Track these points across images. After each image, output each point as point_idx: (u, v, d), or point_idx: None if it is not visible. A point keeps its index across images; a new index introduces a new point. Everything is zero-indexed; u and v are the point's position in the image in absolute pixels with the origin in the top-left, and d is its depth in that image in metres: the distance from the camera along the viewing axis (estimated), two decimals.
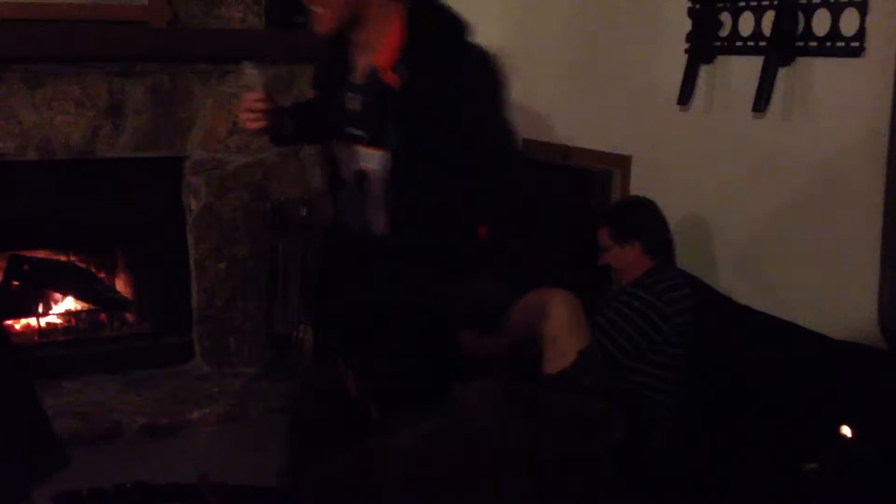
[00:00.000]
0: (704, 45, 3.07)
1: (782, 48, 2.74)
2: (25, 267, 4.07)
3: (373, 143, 2.38)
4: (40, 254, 4.17)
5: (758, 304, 2.82)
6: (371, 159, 2.40)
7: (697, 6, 3.09)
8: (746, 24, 2.91)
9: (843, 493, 1.97)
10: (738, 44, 2.95)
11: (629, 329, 2.69)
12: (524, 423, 1.70)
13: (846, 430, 2.03)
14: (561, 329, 2.46)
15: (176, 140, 3.90)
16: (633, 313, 2.70)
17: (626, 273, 2.87)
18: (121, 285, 4.36)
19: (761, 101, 2.81)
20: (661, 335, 2.70)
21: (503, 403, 1.71)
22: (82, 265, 4.27)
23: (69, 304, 4.25)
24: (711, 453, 2.51)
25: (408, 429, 1.61)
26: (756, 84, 2.82)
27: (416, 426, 1.60)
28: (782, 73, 2.78)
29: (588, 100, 3.83)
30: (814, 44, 2.66)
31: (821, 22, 2.64)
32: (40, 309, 4.18)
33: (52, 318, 4.20)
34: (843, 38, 2.57)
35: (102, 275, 4.32)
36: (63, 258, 4.24)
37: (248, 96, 2.48)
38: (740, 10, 2.93)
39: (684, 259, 3.02)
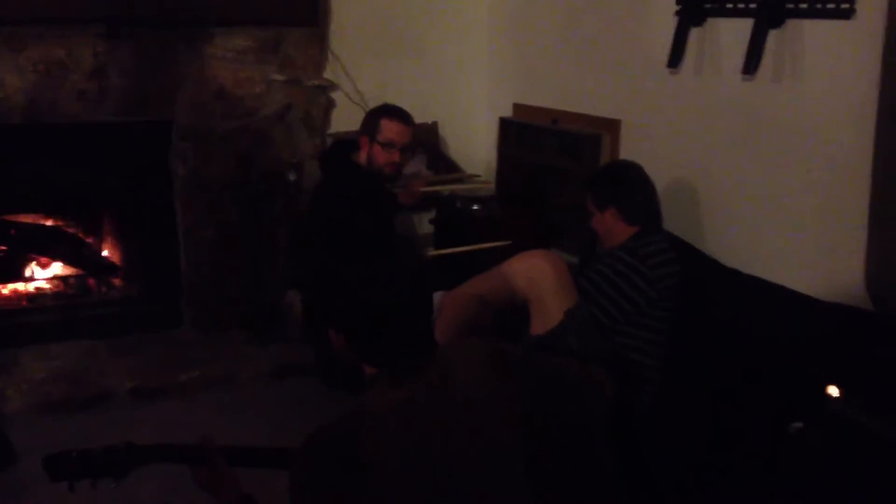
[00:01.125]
0: (694, 7, 3.06)
1: (772, 10, 2.73)
2: (12, 232, 4.06)
3: None
4: (27, 219, 4.15)
5: (746, 266, 2.83)
6: None
7: None
8: None
9: (829, 452, 1.99)
10: (729, 6, 2.93)
11: (614, 294, 2.69)
12: (512, 382, 1.70)
13: (833, 390, 2.04)
14: (546, 289, 2.48)
15: (162, 104, 3.87)
16: (617, 278, 2.69)
17: (608, 238, 2.86)
18: (109, 250, 4.34)
19: (751, 63, 2.81)
20: (646, 299, 2.70)
21: (490, 362, 1.71)
22: (70, 230, 4.26)
23: (57, 269, 4.24)
24: (698, 414, 2.53)
25: (396, 388, 1.61)
26: (746, 46, 2.81)
27: (405, 385, 1.60)
28: (772, 35, 2.77)
29: (577, 64, 3.82)
30: (804, 6, 2.65)
31: None
32: (28, 274, 4.16)
33: (41, 283, 4.19)
34: (833, 0, 2.56)
35: (90, 240, 4.31)
36: (50, 223, 4.22)
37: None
38: None
39: (673, 222, 3.03)
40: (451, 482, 1.53)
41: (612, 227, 2.83)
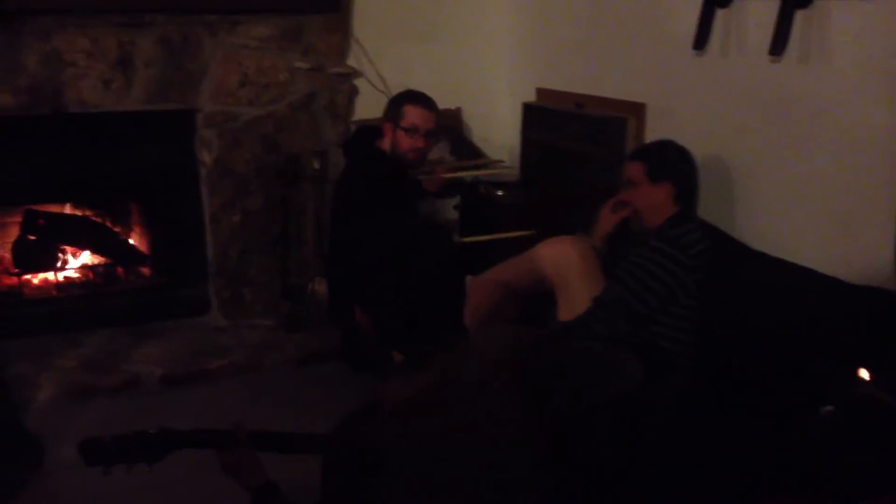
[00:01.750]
0: None
1: None
2: (41, 221, 4.09)
3: None
4: (55, 208, 4.19)
5: (772, 249, 2.81)
6: None
7: None
8: None
9: (859, 436, 1.98)
10: None
11: (656, 286, 2.65)
12: (538, 367, 1.70)
13: (864, 373, 2.02)
14: (573, 276, 2.47)
15: (187, 93, 3.89)
16: (660, 270, 2.65)
17: (649, 214, 2.81)
18: (136, 239, 4.38)
19: (778, 44, 2.77)
20: (684, 290, 2.68)
21: (517, 347, 1.70)
22: (97, 219, 4.29)
23: (85, 258, 4.27)
24: (727, 397, 2.52)
25: (417, 375, 1.60)
26: (773, 27, 2.78)
27: (426, 373, 1.60)
28: (799, 15, 2.73)
29: (601, 47, 3.79)
30: None
31: None
32: (57, 263, 4.20)
33: (69, 273, 4.23)
34: None
35: (117, 229, 4.34)
36: (78, 213, 4.26)
37: None
38: None
39: (699, 205, 3.00)
40: (469, 475, 1.53)
41: (659, 203, 2.78)
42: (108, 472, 1.80)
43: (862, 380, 2.04)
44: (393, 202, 3.39)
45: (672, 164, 2.82)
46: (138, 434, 1.83)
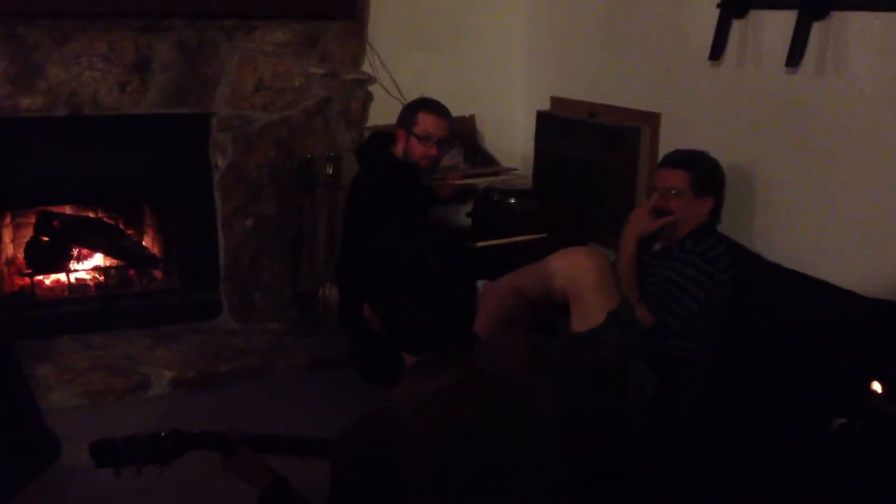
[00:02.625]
0: None
1: (816, 2, 2.69)
2: (55, 223, 4.11)
3: None
4: (69, 210, 4.21)
5: (787, 261, 2.80)
6: None
7: None
8: None
9: (872, 448, 1.97)
10: None
11: (689, 301, 2.65)
12: (551, 374, 1.69)
13: (877, 386, 2.01)
14: (588, 288, 2.44)
15: (202, 97, 3.91)
16: (688, 283, 2.65)
17: (685, 226, 2.80)
18: (148, 242, 4.39)
19: (795, 56, 2.77)
20: (709, 304, 2.68)
21: (529, 353, 1.70)
22: (110, 221, 4.31)
23: (98, 260, 4.29)
24: (741, 409, 2.51)
25: (431, 379, 1.60)
26: (789, 39, 2.77)
27: (440, 377, 1.60)
28: (816, 27, 2.73)
29: (616, 56, 3.79)
30: None
31: None
32: (70, 265, 4.22)
33: (82, 274, 4.24)
34: None
35: (130, 231, 4.36)
36: (91, 214, 4.28)
37: None
38: None
39: None
40: (487, 475, 1.53)
41: (698, 216, 2.79)
42: (120, 473, 1.81)
43: (875, 393, 2.02)
44: (405, 208, 3.39)
45: (716, 178, 2.83)
46: (150, 436, 1.83)
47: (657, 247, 2.89)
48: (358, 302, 3.44)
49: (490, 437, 1.55)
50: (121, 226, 4.34)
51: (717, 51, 3.11)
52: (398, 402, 1.58)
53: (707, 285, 2.67)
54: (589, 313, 2.42)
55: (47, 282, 4.18)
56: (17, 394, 0.57)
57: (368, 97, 4.22)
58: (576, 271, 2.45)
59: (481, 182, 4.07)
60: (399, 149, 3.47)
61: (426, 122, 3.41)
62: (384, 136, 3.59)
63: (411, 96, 3.76)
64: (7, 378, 0.57)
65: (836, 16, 2.67)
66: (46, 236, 4.12)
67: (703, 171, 2.82)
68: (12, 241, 4.18)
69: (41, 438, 0.58)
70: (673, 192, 2.81)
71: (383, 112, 4.14)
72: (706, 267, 2.68)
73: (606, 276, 2.45)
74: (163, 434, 1.85)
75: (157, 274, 4.37)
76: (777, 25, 2.86)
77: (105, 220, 4.31)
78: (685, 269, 2.69)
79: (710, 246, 2.73)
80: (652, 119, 3.52)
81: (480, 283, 2.69)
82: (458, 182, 3.82)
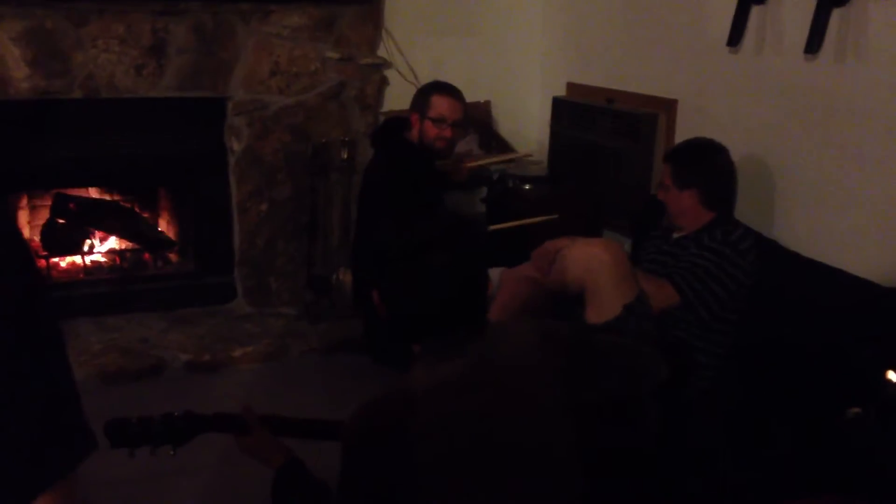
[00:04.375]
0: None
1: None
2: (71, 206, 4.13)
3: None
4: (85, 193, 4.22)
5: (805, 249, 2.78)
6: None
7: None
8: None
9: (887, 438, 1.96)
10: None
11: (722, 292, 2.63)
12: (560, 358, 1.69)
13: (892, 376, 2.00)
14: (604, 280, 2.42)
15: (218, 80, 3.91)
16: (721, 273, 2.62)
17: (680, 218, 2.80)
18: (164, 225, 4.41)
19: (814, 42, 2.74)
20: (735, 297, 2.66)
21: (541, 338, 1.69)
22: (126, 205, 4.33)
23: (113, 242, 4.31)
24: (755, 397, 2.50)
25: (445, 363, 1.60)
26: (809, 25, 2.75)
27: (452, 361, 1.59)
28: (836, 13, 2.70)
29: (633, 42, 3.77)
30: None
31: None
32: (85, 247, 4.24)
33: (97, 257, 4.26)
34: None
35: (146, 214, 4.37)
36: (107, 197, 4.29)
37: None
38: None
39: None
40: (496, 459, 1.53)
41: (688, 209, 2.76)
42: (134, 454, 1.82)
43: (890, 382, 2.01)
44: (417, 194, 3.38)
45: (698, 168, 2.77)
46: (164, 416, 1.84)
47: (674, 235, 2.87)
48: (370, 287, 3.46)
49: (499, 421, 1.54)
50: (136, 209, 4.36)
51: (735, 37, 3.08)
52: (408, 388, 1.58)
53: (740, 278, 2.65)
54: (605, 305, 2.40)
55: (63, 264, 4.21)
56: (59, 381, 0.57)
57: (384, 82, 4.22)
58: (593, 263, 2.44)
59: (494, 164, 4.06)
60: (414, 133, 3.46)
61: (440, 104, 3.40)
62: (399, 121, 3.58)
63: (427, 81, 3.74)
64: (50, 363, 0.56)
65: (857, 2, 2.64)
66: (62, 219, 4.14)
67: (682, 163, 2.80)
68: (29, 223, 4.20)
69: (78, 431, 0.58)
70: (664, 186, 2.82)
71: (399, 97, 4.14)
72: (739, 259, 2.66)
73: (623, 269, 2.43)
74: (176, 415, 1.85)
75: (173, 257, 4.39)
76: (796, 12, 2.84)
77: (121, 202, 4.32)
78: (720, 260, 2.64)
79: (740, 237, 2.71)
80: (669, 106, 3.50)
81: (497, 271, 2.68)
82: (472, 165, 3.81)
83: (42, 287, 0.63)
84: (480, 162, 3.97)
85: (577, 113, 4.03)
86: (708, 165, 2.78)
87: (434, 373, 1.59)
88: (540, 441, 1.58)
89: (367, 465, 1.52)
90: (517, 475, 1.54)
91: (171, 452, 1.85)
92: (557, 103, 4.18)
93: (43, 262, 4.11)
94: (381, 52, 4.18)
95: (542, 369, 1.63)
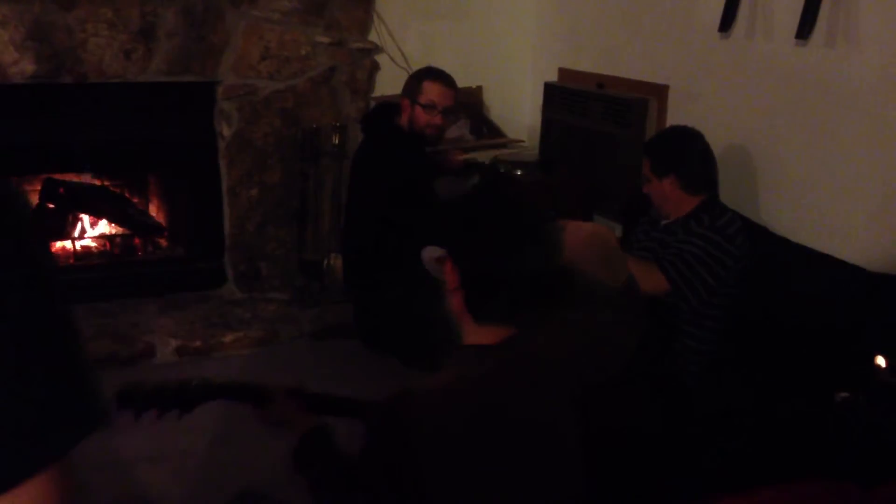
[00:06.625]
0: None
1: None
2: (61, 190, 4.11)
3: None
4: (74, 178, 4.20)
5: (794, 235, 2.79)
6: None
7: None
8: None
9: (875, 422, 1.97)
10: None
11: (709, 277, 2.64)
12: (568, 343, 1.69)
13: (881, 360, 2.01)
14: (595, 262, 2.43)
15: (208, 65, 3.88)
16: (709, 258, 2.63)
17: (665, 206, 2.81)
18: (154, 210, 4.39)
19: (805, 27, 2.75)
20: (724, 282, 2.67)
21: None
22: (116, 190, 4.31)
23: (103, 227, 4.29)
24: (746, 382, 2.51)
25: (483, 363, 1.57)
26: (800, 10, 2.75)
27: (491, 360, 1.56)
28: None
29: (625, 27, 3.76)
30: None
31: None
32: (75, 232, 4.22)
33: (87, 242, 4.25)
34: None
35: (136, 199, 4.35)
36: (97, 182, 4.27)
37: None
38: None
39: (723, 189, 2.98)
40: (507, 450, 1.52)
41: (671, 196, 2.77)
42: (139, 417, 1.78)
43: (879, 367, 2.02)
44: (409, 180, 3.38)
45: (672, 155, 2.78)
46: (181, 383, 1.82)
47: (662, 222, 2.88)
48: (362, 270, 3.45)
49: (503, 415, 1.53)
50: (126, 194, 4.34)
51: (726, 22, 3.08)
52: (441, 385, 1.54)
53: (728, 263, 2.65)
54: None
55: (53, 249, 4.19)
56: (62, 349, 0.55)
57: (375, 66, 4.20)
58: (581, 244, 2.44)
59: (486, 153, 4.05)
60: (404, 119, 3.46)
61: (431, 91, 3.39)
62: (390, 107, 3.58)
63: (418, 66, 3.73)
64: (51, 332, 0.55)
65: None
66: (52, 203, 4.12)
67: (657, 152, 2.82)
68: None
69: (86, 400, 0.56)
70: (643, 179, 2.85)
71: (390, 82, 4.12)
72: (727, 244, 2.66)
73: (609, 252, 2.44)
74: (193, 382, 1.83)
75: (163, 242, 4.38)
76: None
77: (111, 188, 4.30)
78: (708, 246, 2.65)
79: (727, 222, 2.71)
80: (660, 91, 3.50)
81: None
82: (464, 156, 3.80)
83: (48, 257, 0.61)
84: (474, 154, 3.95)
85: (568, 98, 4.03)
86: (683, 151, 2.80)
87: (469, 372, 1.55)
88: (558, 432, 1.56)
89: (382, 450, 1.50)
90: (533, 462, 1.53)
91: (178, 418, 1.83)
92: (549, 88, 4.18)
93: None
94: (373, 36, 4.16)
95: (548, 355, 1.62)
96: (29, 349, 0.57)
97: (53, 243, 4.17)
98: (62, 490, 0.58)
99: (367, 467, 1.51)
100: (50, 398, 0.58)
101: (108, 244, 4.26)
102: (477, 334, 1.58)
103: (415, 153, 3.45)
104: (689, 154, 2.78)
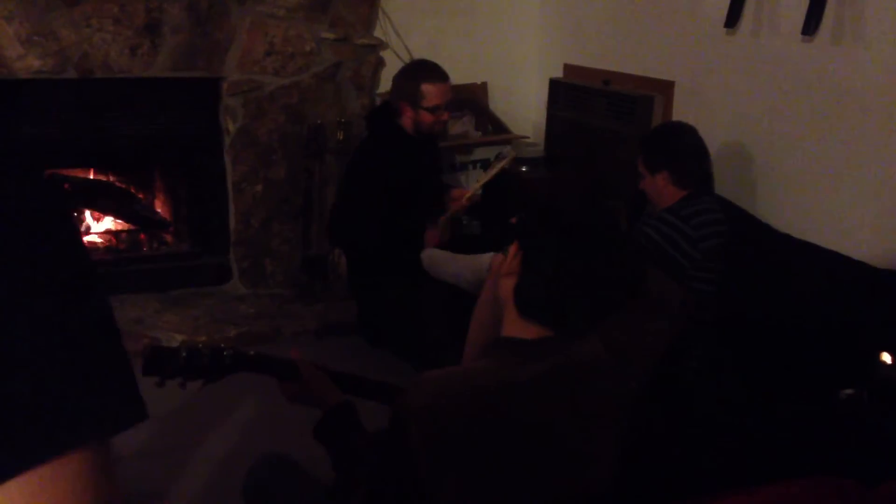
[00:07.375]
0: None
1: None
2: (66, 186, 4.11)
3: None
4: (80, 173, 4.21)
5: (798, 232, 2.78)
6: None
7: None
8: None
9: (880, 419, 1.96)
10: None
11: (659, 257, 2.66)
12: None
13: (886, 357, 2.00)
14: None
15: (213, 60, 3.88)
16: (661, 239, 2.67)
17: (658, 200, 2.82)
18: (159, 206, 4.39)
19: (811, 24, 2.74)
20: (690, 260, 2.67)
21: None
22: (121, 185, 4.31)
23: (109, 223, 4.29)
24: (749, 378, 2.50)
25: (528, 364, 1.54)
26: (806, 7, 2.74)
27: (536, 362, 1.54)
28: None
29: (630, 24, 3.75)
30: None
31: None
32: (81, 228, 4.22)
33: (93, 238, 4.25)
34: None
35: (141, 195, 4.36)
36: (103, 178, 4.28)
37: None
38: None
39: (725, 185, 2.98)
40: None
41: (663, 191, 2.79)
42: (163, 383, 1.75)
43: (884, 363, 2.02)
44: (413, 181, 3.38)
45: (663, 153, 2.81)
46: (213, 350, 1.77)
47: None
48: (363, 271, 3.44)
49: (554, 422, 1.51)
50: (132, 189, 4.34)
51: (732, 18, 3.08)
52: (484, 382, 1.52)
53: (677, 241, 2.68)
54: None
55: None
56: (109, 335, 0.54)
57: (380, 63, 4.20)
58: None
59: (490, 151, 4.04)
60: (406, 121, 3.42)
61: (432, 93, 3.36)
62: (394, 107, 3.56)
63: None
64: (87, 325, 0.54)
65: None
66: None
67: (649, 148, 2.85)
68: None
69: (125, 396, 0.55)
70: (639, 176, 2.87)
71: None
72: (676, 222, 2.72)
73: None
74: (225, 352, 1.80)
75: (168, 238, 4.38)
76: None
77: (116, 183, 4.30)
78: (658, 225, 2.72)
79: (688, 205, 2.74)
80: (665, 88, 3.49)
81: (488, 256, 2.68)
82: (469, 194, 3.60)
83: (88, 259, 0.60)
84: (480, 182, 3.75)
85: (573, 95, 4.02)
86: (675, 146, 2.82)
87: (509, 372, 1.52)
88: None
89: (405, 437, 1.47)
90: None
91: (201, 386, 1.78)
92: (554, 85, 4.17)
93: None
94: (377, 32, 4.16)
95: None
96: (80, 330, 0.57)
97: None
98: (101, 474, 0.57)
99: (388, 449, 1.49)
100: (96, 379, 0.57)
101: (113, 240, 4.26)
102: (516, 326, 1.52)
103: (417, 156, 3.45)
104: (680, 150, 2.81)
